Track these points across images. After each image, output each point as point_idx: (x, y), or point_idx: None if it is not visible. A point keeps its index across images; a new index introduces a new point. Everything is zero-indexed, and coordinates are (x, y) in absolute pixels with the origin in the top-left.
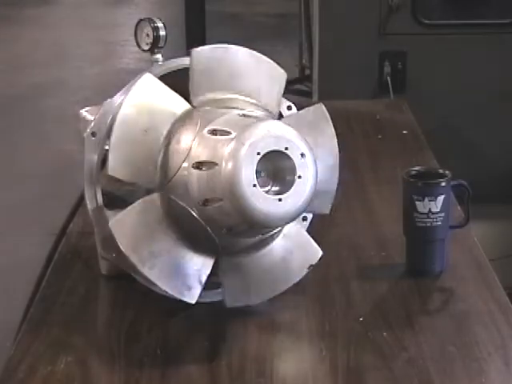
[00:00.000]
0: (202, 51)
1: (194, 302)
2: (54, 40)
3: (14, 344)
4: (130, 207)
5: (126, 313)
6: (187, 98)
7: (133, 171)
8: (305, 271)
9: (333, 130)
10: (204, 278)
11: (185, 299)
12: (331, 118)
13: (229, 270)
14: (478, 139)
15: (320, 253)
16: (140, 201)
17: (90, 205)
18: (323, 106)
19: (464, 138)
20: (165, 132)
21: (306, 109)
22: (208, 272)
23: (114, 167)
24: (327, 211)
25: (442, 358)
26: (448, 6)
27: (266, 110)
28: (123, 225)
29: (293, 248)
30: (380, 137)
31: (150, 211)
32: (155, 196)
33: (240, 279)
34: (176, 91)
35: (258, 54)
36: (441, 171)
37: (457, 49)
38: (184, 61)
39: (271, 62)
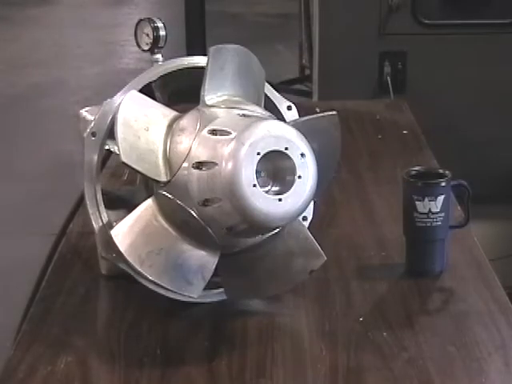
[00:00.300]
0: (219, 49)
1: (196, 296)
2: (54, 40)
3: (14, 344)
4: (129, 216)
5: (126, 313)
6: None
7: (142, 162)
8: (306, 275)
9: (339, 137)
10: (208, 275)
11: (186, 294)
12: None
13: (229, 269)
14: (478, 139)
15: (324, 259)
16: (140, 206)
17: (89, 205)
18: (337, 117)
19: (464, 137)
20: (165, 132)
21: (319, 115)
22: (212, 268)
23: (127, 155)
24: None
25: (442, 358)
26: (448, 6)
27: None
28: (123, 230)
29: (295, 250)
30: (380, 137)
31: (148, 214)
32: (153, 199)
33: (240, 279)
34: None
35: (252, 55)
36: (441, 171)
37: (457, 49)
38: (183, 61)
39: (258, 62)
